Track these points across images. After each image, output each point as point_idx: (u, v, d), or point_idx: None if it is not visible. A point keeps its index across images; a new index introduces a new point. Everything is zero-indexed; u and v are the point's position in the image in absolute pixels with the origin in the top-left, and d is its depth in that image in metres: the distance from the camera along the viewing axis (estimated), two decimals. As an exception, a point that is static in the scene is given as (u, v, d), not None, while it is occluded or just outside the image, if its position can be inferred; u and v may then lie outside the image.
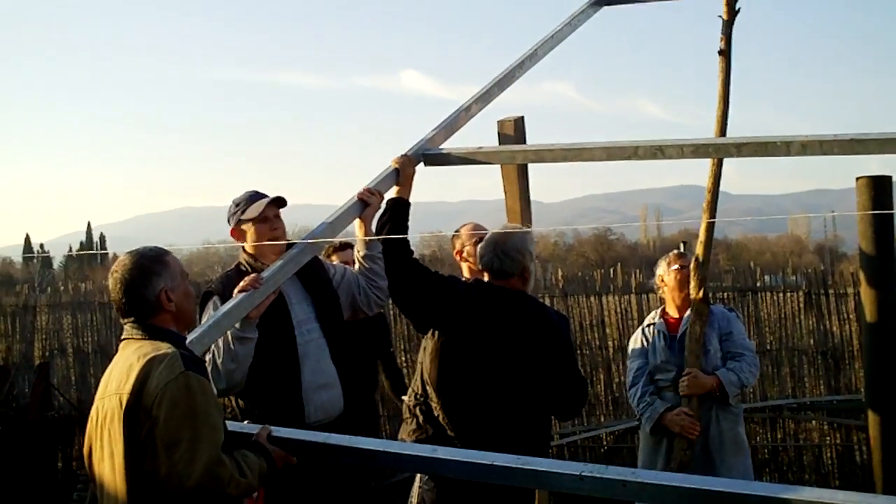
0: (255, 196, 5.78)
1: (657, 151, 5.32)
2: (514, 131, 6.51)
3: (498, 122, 6.60)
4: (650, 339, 7.08)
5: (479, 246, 5.87)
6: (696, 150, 5.43)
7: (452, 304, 5.58)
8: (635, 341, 7.25)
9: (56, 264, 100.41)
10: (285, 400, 5.53)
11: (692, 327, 6.60)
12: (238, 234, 5.78)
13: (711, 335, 6.85)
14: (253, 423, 5.13)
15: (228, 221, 5.80)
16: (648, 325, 7.18)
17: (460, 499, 5.36)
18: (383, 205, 5.70)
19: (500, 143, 6.52)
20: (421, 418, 5.68)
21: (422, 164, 5.94)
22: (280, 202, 5.80)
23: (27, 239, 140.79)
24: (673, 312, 7.11)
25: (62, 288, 14.39)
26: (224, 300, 5.40)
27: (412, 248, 5.65)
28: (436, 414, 5.60)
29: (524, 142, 6.53)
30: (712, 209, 6.48)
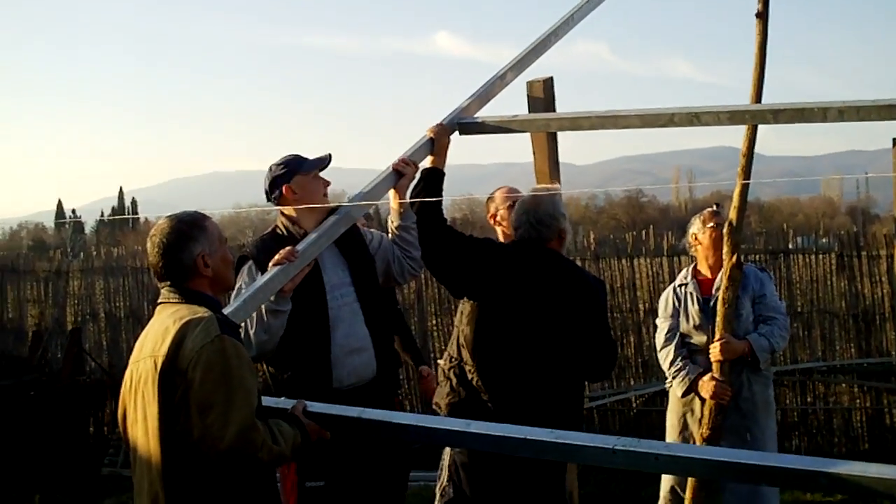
0: (300, 156, 5.80)
1: (693, 118, 5.32)
2: (543, 93, 6.48)
3: (527, 83, 6.55)
4: (682, 301, 7.05)
5: (512, 217, 5.89)
6: (732, 116, 5.42)
7: (487, 267, 5.60)
8: (666, 301, 7.20)
9: (88, 229, 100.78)
10: (314, 365, 5.53)
11: (725, 293, 6.57)
12: (290, 190, 5.69)
13: (744, 298, 6.82)
14: (282, 388, 5.31)
15: (273, 185, 5.75)
16: (680, 286, 7.14)
17: (491, 461, 5.38)
18: (418, 175, 5.71)
19: (528, 105, 6.49)
20: (454, 381, 5.69)
21: (456, 132, 5.95)
22: (328, 162, 5.85)
23: (59, 204, 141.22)
24: (705, 272, 7.09)
25: (94, 253, 14.43)
26: (259, 265, 5.45)
27: (444, 211, 5.67)
28: (469, 377, 5.63)
29: (553, 103, 6.50)
30: (746, 173, 6.45)
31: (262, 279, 5.04)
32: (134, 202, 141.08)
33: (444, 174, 5.77)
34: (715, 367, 6.60)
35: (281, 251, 5.10)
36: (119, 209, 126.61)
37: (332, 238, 5.39)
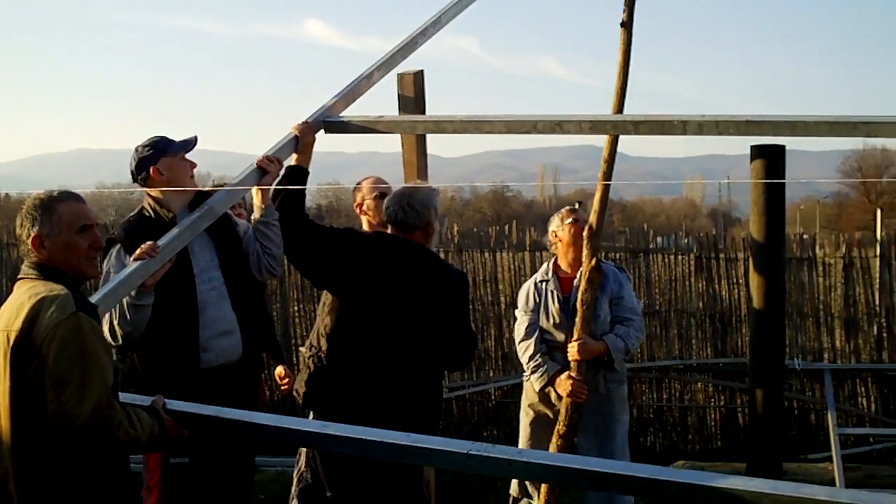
0: (167, 137, 5.78)
1: (556, 126, 5.41)
2: (413, 86, 6.50)
3: (398, 75, 6.58)
4: (542, 297, 7.13)
5: (387, 198, 5.95)
6: (595, 126, 5.53)
7: (348, 257, 5.66)
8: (527, 295, 7.25)
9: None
10: (182, 347, 5.59)
11: (584, 294, 6.66)
12: (156, 171, 5.68)
13: (602, 299, 6.94)
14: (150, 369, 5.50)
15: (140, 165, 5.71)
16: (541, 281, 7.20)
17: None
18: (282, 172, 5.74)
19: (399, 99, 6.51)
20: (313, 369, 5.73)
21: (322, 131, 5.98)
22: (194, 143, 5.84)
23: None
24: (566, 268, 7.16)
25: (-49, 225, 14.06)
26: (127, 248, 5.45)
27: (309, 198, 5.68)
28: (326, 364, 5.63)
29: (423, 96, 6.53)
30: (607, 176, 6.53)
31: (122, 273, 5.02)
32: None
33: (307, 172, 5.82)
34: (573, 365, 6.69)
35: (142, 246, 5.08)
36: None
37: (195, 233, 5.40)
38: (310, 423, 4.19)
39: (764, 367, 5.52)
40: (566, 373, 6.73)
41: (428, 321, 5.67)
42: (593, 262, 6.60)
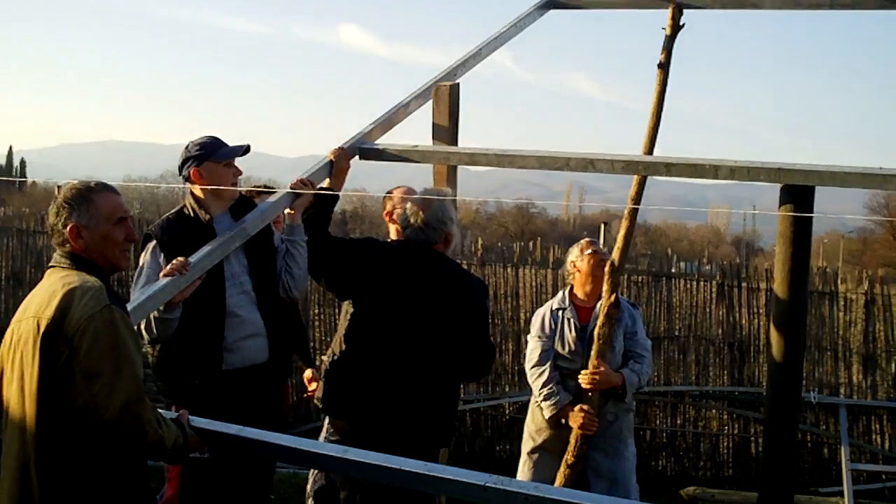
0: (219, 140, 5.84)
1: (588, 164, 5.46)
2: (448, 97, 6.53)
3: (434, 87, 6.61)
4: (558, 324, 7.13)
5: (400, 217, 6.00)
6: (627, 166, 5.57)
7: (368, 266, 5.70)
8: (542, 321, 7.23)
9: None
10: (206, 349, 5.67)
11: (601, 328, 6.68)
12: (198, 173, 5.77)
13: (618, 332, 6.96)
14: (174, 368, 5.60)
15: (186, 163, 5.79)
16: (558, 309, 7.20)
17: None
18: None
19: (434, 107, 6.53)
20: (332, 376, 5.76)
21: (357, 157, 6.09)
22: (246, 151, 5.90)
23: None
24: (582, 297, 7.16)
25: (-20, 211, 14.14)
26: (162, 245, 5.60)
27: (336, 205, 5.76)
28: (347, 375, 5.67)
29: (458, 108, 6.56)
30: (634, 212, 6.57)
31: (152, 288, 5.09)
32: (23, 163, 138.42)
33: (337, 198, 5.95)
34: (585, 396, 6.71)
35: (173, 262, 5.17)
36: (6, 169, 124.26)
37: (226, 252, 5.52)
38: (329, 447, 4.20)
39: (781, 399, 5.53)
40: (579, 405, 6.75)
41: (446, 329, 5.68)
42: (613, 297, 6.62)
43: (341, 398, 5.67)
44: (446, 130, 6.47)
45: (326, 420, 5.91)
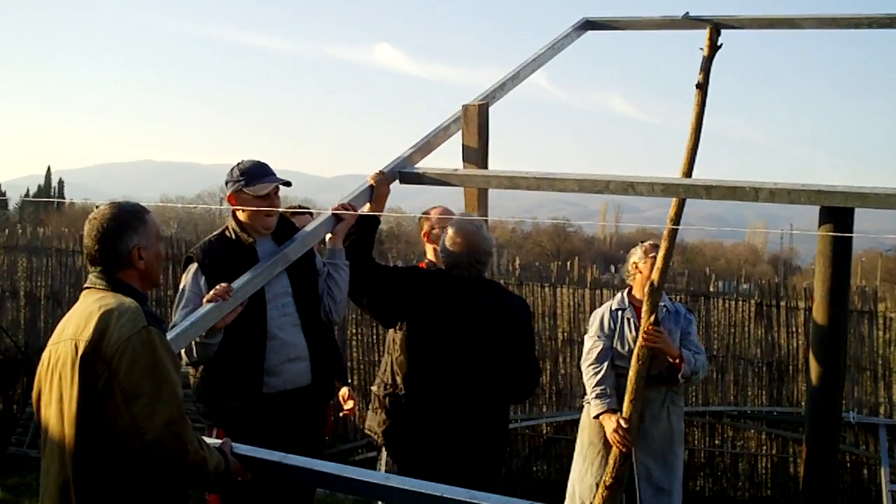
0: (263, 169, 5.86)
1: (628, 187, 5.46)
2: (478, 118, 6.54)
3: (463, 106, 6.62)
4: (618, 324, 7.20)
5: (445, 248, 5.99)
6: (667, 189, 5.58)
7: (414, 296, 5.76)
8: (601, 321, 7.33)
9: (11, 206, 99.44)
10: (245, 372, 5.68)
11: (640, 350, 6.70)
12: (234, 199, 5.82)
13: (675, 331, 7.07)
14: (215, 389, 5.62)
15: (227, 184, 5.85)
16: (617, 309, 7.28)
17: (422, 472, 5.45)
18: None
19: (463, 127, 6.54)
20: (389, 408, 5.79)
21: (397, 181, 6.09)
22: (286, 185, 5.94)
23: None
24: (641, 297, 7.22)
25: (20, 231, 14.22)
26: (203, 269, 5.64)
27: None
28: (404, 404, 5.70)
29: (487, 127, 6.56)
30: (672, 236, 6.58)
31: (195, 315, 5.12)
32: (61, 183, 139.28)
33: (378, 221, 5.98)
34: (626, 408, 6.71)
35: (216, 288, 5.21)
36: (45, 188, 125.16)
37: (268, 278, 5.54)
38: (372, 474, 4.18)
39: (821, 420, 5.51)
40: (619, 415, 6.77)
41: (498, 353, 5.74)
42: (652, 318, 6.63)
43: (404, 429, 5.71)
44: (476, 152, 6.48)
45: (384, 453, 5.90)
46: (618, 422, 6.70)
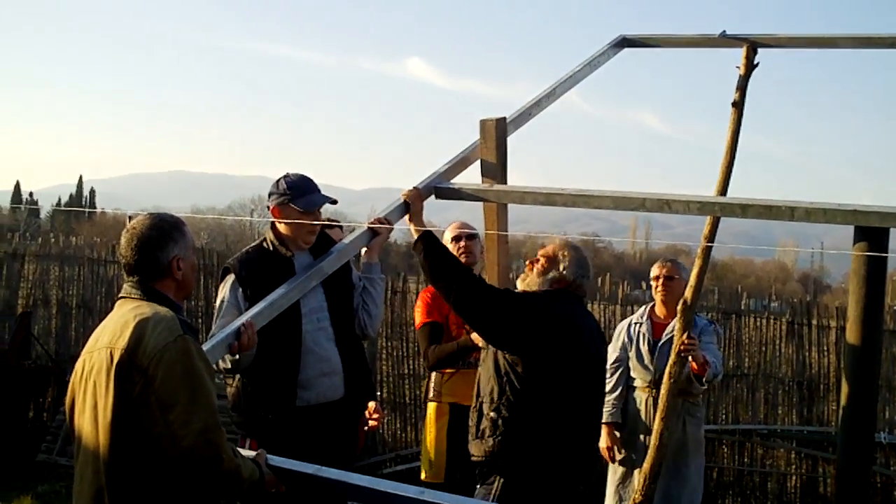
0: (310, 185, 5.88)
1: (664, 205, 5.44)
2: (495, 132, 6.49)
3: (480, 121, 6.59)
4: (634, 339, 7.28)
5: (566, 267, 5.85)
6: (702, 207, 5.56)
7: (534, 322, 5.51)
8: (619, 334, 7.60)
9: (43, 214, 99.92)
10: (279, 384, 5.71)
11: (672, 367, 6.73)
12: (279, 212, 5.85)
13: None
14: (250, 400, 5.67)
15: (271, 196, 5.88)
16: (635, 324, 7.41)
17: None
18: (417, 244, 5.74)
19: (481, 142, 6.48)
20: (502, 427, 5.51)
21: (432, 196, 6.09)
22: (332, 203, 6.04)
23: (17, 186, 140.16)
24: (660, 312, 7.27)
25: (52, 239, 14.29)
26: (241, 280, 5.69)
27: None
28: (523, 423, 5.51)
29: (504, 143, 6.49)
30: (707, 254, 6.58)
31: (233, 325, 5.11)
32: (92, 192, 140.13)
33: (432, 234, 5.76)
34: (657, 424, 6.75)
35: (244, 326, 5.05)
36: (77, 198, 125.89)
37: (303, 291, 5.55)
38: (406, 488, 4.16)
39: (853, 440, 5.48)
40: (610, 430, 7.17)
41: (603, 368, 5.92)
42: (685, 336, 6.63)
43: (521, 453, 5.51)
44: (494, 166, 6.44)
45: (498, 482, 5.66)
46: (609, 436, 6.84)
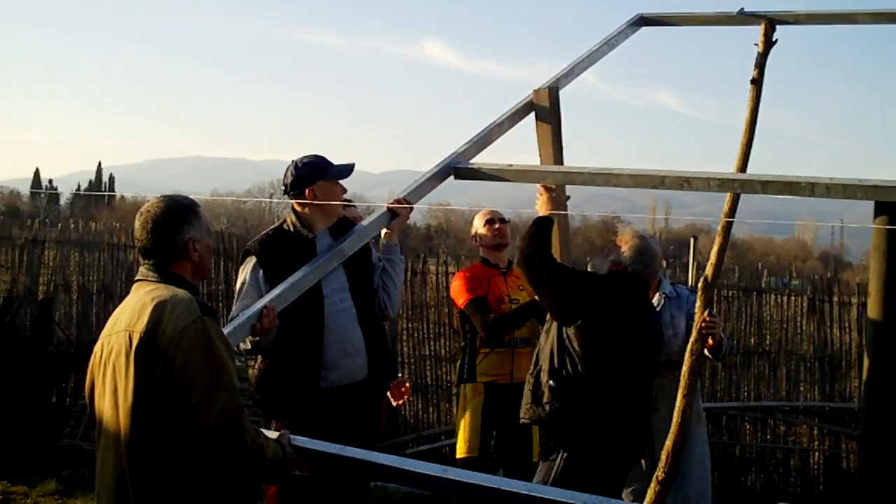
0: (326, 160, 5.94)
1: (684, 182, 5.46)
2: (549, 101, 6.57)
3: (534, 91, 6.67)
4: None
5: (627, 255, 6.16)
6: (722, 184, 5.57)
7: (598, 299, 5.90)
8: None
9: (63, 201, 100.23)
10: (305, 366, 5.72)
11: (694, 344, 6.73)
12: (312, 193, 5.86)
13: (680, 318, 7.04)
14: (273, 381, 5.69)
15: (298, 181, 5.88)
16: None
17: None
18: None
19: (535, 112, 6.56)
20: (562, 395, 5.82)
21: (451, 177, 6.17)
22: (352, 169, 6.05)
23: (37, 172, 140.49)
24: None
25: (72, 225, 14.29)
26: (262, 262, 5.71)
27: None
28: (583, 391, 5.80)
29: (559, 112, 6.60)
30: (727, 230, 6.57)
31: (250, 310, 5.16)
32: (111, 178, 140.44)
33: (551, 221, 6.28)
34: (679, 402, 6.74)
35: (265, 315, 5.12)
36: (96, 184, 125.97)
37: (324, 272, 5.58)
38: (430, 466, 4.17)
39: (876, 415, 5.47)
40: None
41: (656, 348, 6.15)
42: (706, 314, 6.62)
43: (580, 422, 5.80)
44: (552, 132, 6.55)
45: (561, 455, 5.85)
46: None
